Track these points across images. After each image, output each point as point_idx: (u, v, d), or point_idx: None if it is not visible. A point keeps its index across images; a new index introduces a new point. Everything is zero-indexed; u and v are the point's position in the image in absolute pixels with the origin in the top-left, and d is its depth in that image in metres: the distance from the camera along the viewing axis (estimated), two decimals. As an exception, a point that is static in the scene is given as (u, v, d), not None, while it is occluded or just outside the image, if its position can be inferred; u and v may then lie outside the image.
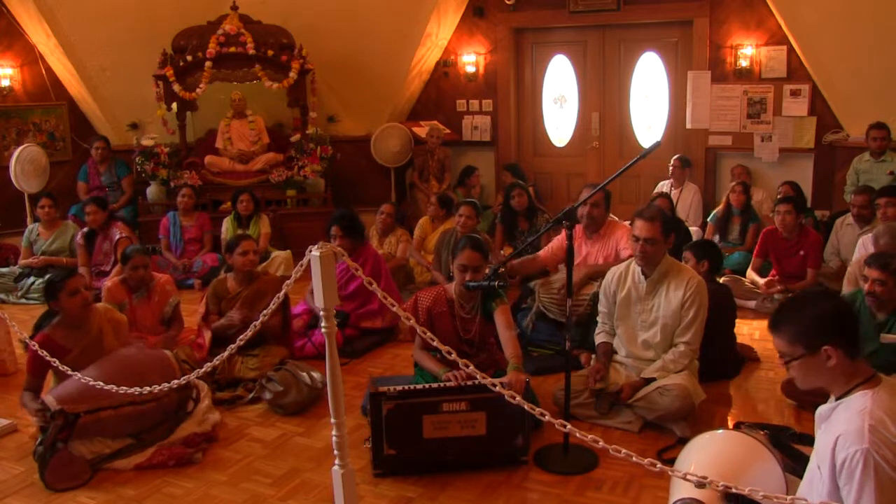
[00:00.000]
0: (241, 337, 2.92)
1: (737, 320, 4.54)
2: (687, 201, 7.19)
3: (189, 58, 7.22)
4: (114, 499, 3.18)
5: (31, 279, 6.32)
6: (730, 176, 7.27)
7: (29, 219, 7.13)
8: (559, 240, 4.79)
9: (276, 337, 4.46)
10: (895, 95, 6.44)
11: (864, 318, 3.66)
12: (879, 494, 1.87)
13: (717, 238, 6.46)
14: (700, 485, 2.03)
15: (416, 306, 3.73)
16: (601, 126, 8.17)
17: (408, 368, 4.17)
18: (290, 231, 7.36)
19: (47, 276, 3.95)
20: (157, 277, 4.77)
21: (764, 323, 4.83)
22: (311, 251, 2.47)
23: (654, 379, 3.59)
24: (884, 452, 1.88)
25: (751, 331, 5.07)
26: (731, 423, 3.68)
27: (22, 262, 6.50)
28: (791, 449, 2.91)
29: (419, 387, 3.30)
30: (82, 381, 3.24)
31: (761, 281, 5.58)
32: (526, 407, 2.37)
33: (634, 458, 2.07)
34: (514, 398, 2.41)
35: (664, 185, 7.28)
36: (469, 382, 3.21)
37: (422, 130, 8.22)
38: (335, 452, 2.62)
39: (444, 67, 8.49)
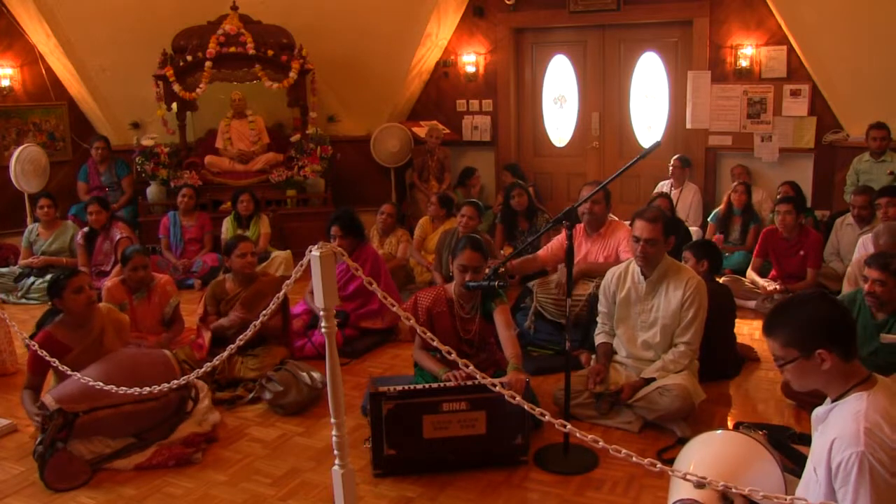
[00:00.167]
0: (240, 337, 2.92)
1: (737, 320, 4.54)
2: (687, 201, 7.19)
3: (189, 58, 7.22)
4: (114, 499, 3.19)
5: (31, 279, 6.32)
6: (730, 176, 7.27)
7: (29, 219, 7.13)
8: (559, 239, 4.79)
9: (276, 337, 4.46)
10: (895, 95, 6.44)
11: (864, 318, 3.66)
12: (875, 497, 1.87)
13: (719, 236, 6.46)
14: (699, 485, 2.04)
15: (415, 306, 3.73)
16: (601, 126, 8.17)
17: (408, 368, 4.17)
18: (290, 231, 7.36)
19: (49, 276, 3.95)
20: (158, 278, 4.77)
21: (764, 323, 4.82)
22: (311, 251, 2.47)
23: (654, 379, 3.59)
24: (879, 455, 1.88)
25: (751, 331, 5.06)
26: (730, 424, 3.68)
27: (22, 262, 6.50)
28: (790, 449, 2.91)
29: (419, 387, 3.30)
30: (82, 380, 3.25)
31: (761, 281, 5.58)
32: (526, 407, 2.37)
33: (634, 458, 2.07)
34: (513, 398, 2.41)
35: (664, 185, 7.27)
36: (469, 382, 3.21)
37: (421, 130, 8.21)
38: (335, 452, 2.62)
39: (444, 67, 8.48)
